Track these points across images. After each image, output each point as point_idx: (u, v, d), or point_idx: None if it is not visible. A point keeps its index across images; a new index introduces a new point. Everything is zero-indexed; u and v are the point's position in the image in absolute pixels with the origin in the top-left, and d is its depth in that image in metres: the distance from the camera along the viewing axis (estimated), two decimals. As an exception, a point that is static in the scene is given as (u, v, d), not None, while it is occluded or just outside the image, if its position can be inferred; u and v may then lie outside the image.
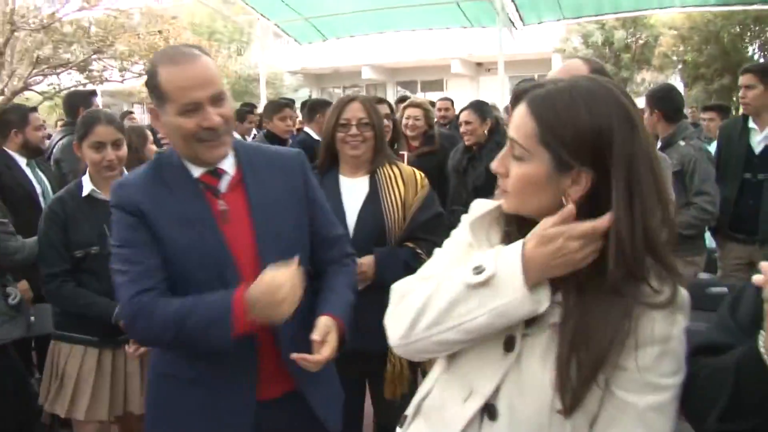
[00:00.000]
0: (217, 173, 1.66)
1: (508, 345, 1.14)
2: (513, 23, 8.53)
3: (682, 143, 3.55)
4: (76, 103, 4.42)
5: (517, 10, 8.39)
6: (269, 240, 1.64)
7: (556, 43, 18.41)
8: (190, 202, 1.62)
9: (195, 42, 16.18)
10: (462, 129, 4.35)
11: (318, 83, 25.85)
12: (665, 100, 3.69)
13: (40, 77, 14.70)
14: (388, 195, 2.45)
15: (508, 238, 1.19)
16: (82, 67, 15.05)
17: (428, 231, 2.45)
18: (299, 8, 8.77)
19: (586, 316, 1.07)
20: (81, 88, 13.31)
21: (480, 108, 4.37)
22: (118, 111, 9.25)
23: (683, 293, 1.11)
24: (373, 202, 2.45)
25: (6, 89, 13.36)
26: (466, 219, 1.29)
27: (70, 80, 15.66)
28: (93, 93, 4.70)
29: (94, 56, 14.84)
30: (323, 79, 25.61)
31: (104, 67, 15.44)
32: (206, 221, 1.61)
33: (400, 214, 2.43)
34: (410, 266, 2.25)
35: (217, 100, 1.55)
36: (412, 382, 2.43)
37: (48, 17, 14.01)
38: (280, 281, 1.46)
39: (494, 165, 1.19)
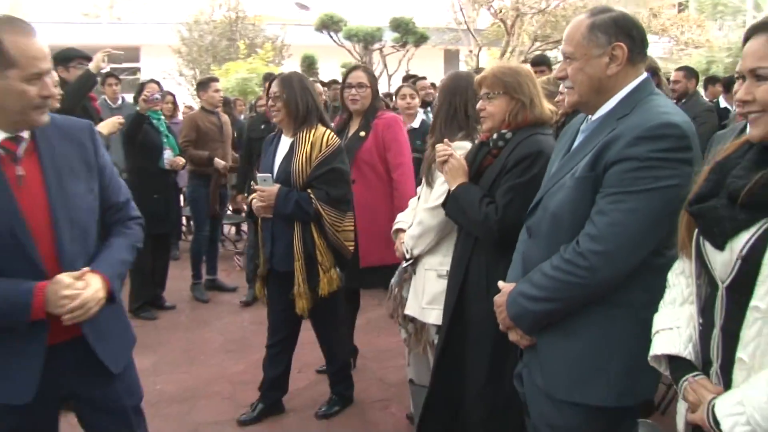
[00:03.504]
0: (17, 139, 1.66)
1: None
2: None
3: None
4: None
5: None
6: (61, 204, 1.68)
7: None
8: None
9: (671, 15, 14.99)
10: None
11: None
12: None
13: (538, 52, 17.28)
14: (297, 153, 3.06)
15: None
16: (569, 41, 16.64)
17: (323, 182, 3.04)
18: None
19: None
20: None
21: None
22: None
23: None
24: (288, 158, 3.10)
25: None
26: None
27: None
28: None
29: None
30: None
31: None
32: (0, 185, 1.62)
33: (303, 168, 3.03)
34: (301, 206, 2.99)
35: (48, 73, 1.63)
36: (315, 300, 3.10)
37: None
38: (75, 293, 1.62)
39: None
